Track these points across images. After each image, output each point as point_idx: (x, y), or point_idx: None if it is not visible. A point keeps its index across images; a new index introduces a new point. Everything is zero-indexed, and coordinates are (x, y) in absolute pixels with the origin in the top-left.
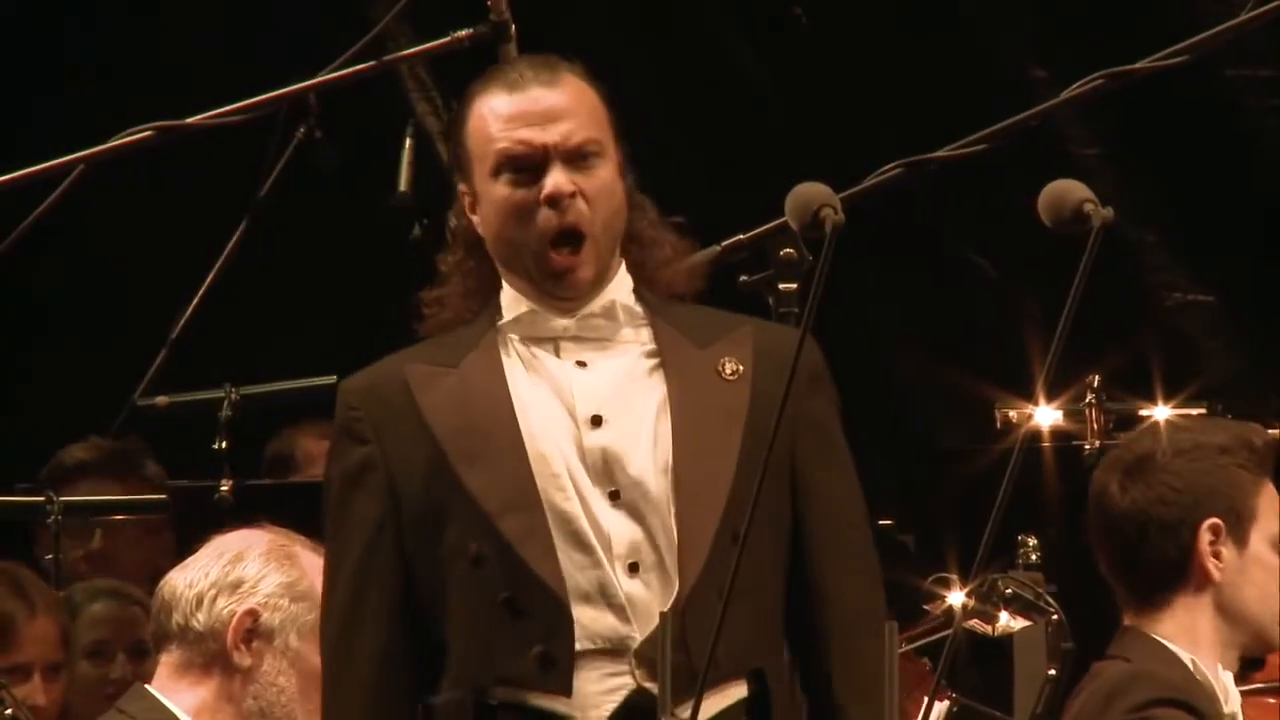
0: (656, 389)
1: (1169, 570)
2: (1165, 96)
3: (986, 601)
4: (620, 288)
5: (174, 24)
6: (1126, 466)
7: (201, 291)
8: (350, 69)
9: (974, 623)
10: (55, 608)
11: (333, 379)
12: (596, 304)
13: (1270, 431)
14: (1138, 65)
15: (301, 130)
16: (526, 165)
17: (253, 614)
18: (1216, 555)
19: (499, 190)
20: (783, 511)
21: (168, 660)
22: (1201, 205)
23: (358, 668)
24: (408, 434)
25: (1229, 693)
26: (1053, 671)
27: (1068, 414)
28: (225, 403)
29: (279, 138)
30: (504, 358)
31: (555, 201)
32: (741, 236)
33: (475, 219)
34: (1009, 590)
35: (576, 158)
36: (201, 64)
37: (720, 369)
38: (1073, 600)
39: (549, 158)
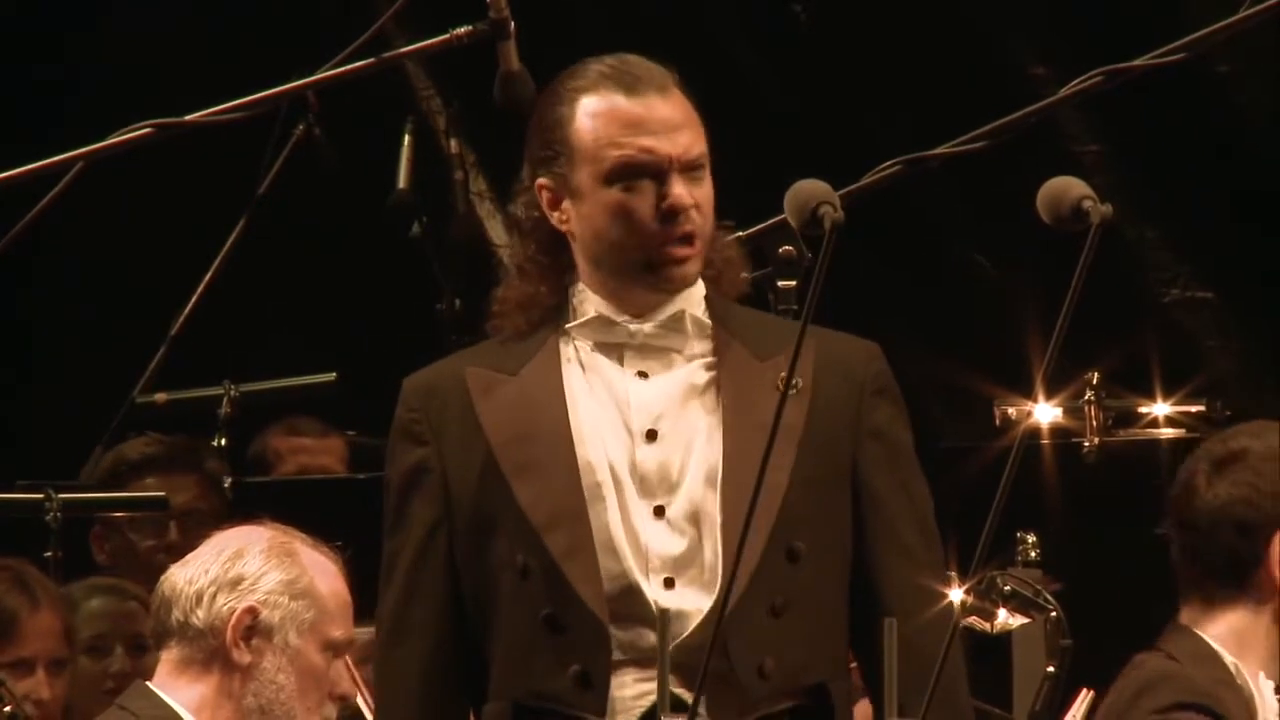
0: (712, 402)
1: (1235, 571)
2: (1164, 93)
3: (985, 598)
4: (691, 298)
5: (173, 22)
6: (1217, 459)
7: (201, 289)
8: (350, 66)
9: (972, 620)
10: (59, 603)
11: (332, 376)
12: (666, 313)
13: None
14: (1136, 62)
15: (301, 128)
16: (646, 173)
17: (252, 611)
18: None
19: (612, 195)
20: (844, 527)
21: (168, 657)
22: (1201, 202)
23: (404, 679)
24: (464, 439)
25: (1266, 702)
26: (1051, 668)
27: (1067, 411)
28: (224, 400)
29: (278, 135)
30: (564, 364)
31: (675, 213)
32: (741, 234)
33: (556, 215)
34: (1008, 587)
35: (691, 169)
36: (201, 62)
37: (780, 382)
38: (1072, 597)
39: (670, 168)
